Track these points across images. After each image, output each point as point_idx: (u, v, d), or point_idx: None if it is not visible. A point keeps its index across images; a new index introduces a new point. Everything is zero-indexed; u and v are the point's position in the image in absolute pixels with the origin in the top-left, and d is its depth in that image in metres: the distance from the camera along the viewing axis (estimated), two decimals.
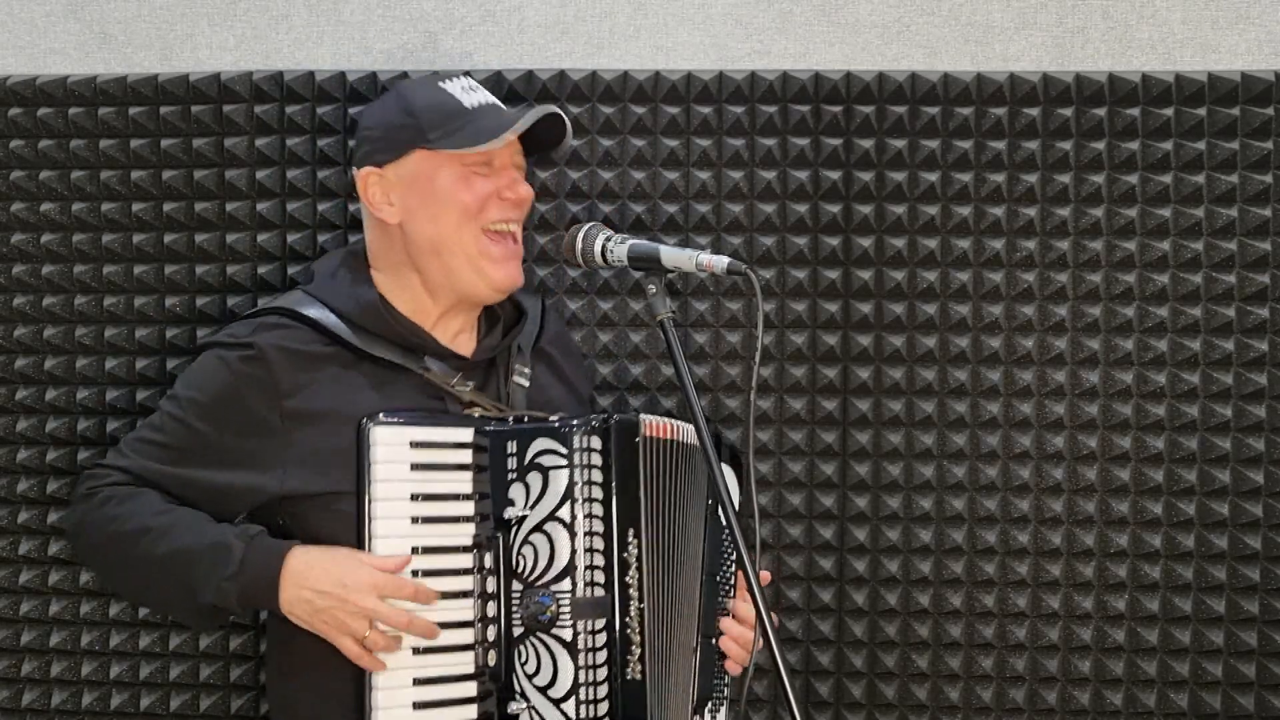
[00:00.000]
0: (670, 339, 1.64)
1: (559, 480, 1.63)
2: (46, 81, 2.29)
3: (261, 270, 2.29)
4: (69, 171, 2.30)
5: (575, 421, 1.66)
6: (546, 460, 1.64)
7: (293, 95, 2.27)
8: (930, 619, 2.26)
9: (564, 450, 1.63)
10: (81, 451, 2.30)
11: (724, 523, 1.54)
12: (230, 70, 2.29)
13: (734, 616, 1.87)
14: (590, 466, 1.64)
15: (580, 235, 1.75)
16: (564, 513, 1.63)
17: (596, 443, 1.64)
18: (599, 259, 1.74)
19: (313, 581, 1.62)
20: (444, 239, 1.77)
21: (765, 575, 1.93)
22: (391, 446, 1.64)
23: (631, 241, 1.71)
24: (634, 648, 1.65)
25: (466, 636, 1.66)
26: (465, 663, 1.65)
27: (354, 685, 1.65)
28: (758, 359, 1.69)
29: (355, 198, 2.27)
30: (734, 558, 1.87)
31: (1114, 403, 2.23)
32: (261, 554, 1.64)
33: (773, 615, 1.50)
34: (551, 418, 1.72)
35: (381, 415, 1.65)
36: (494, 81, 2.22)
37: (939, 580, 2.26)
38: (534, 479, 1.64)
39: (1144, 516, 2.22)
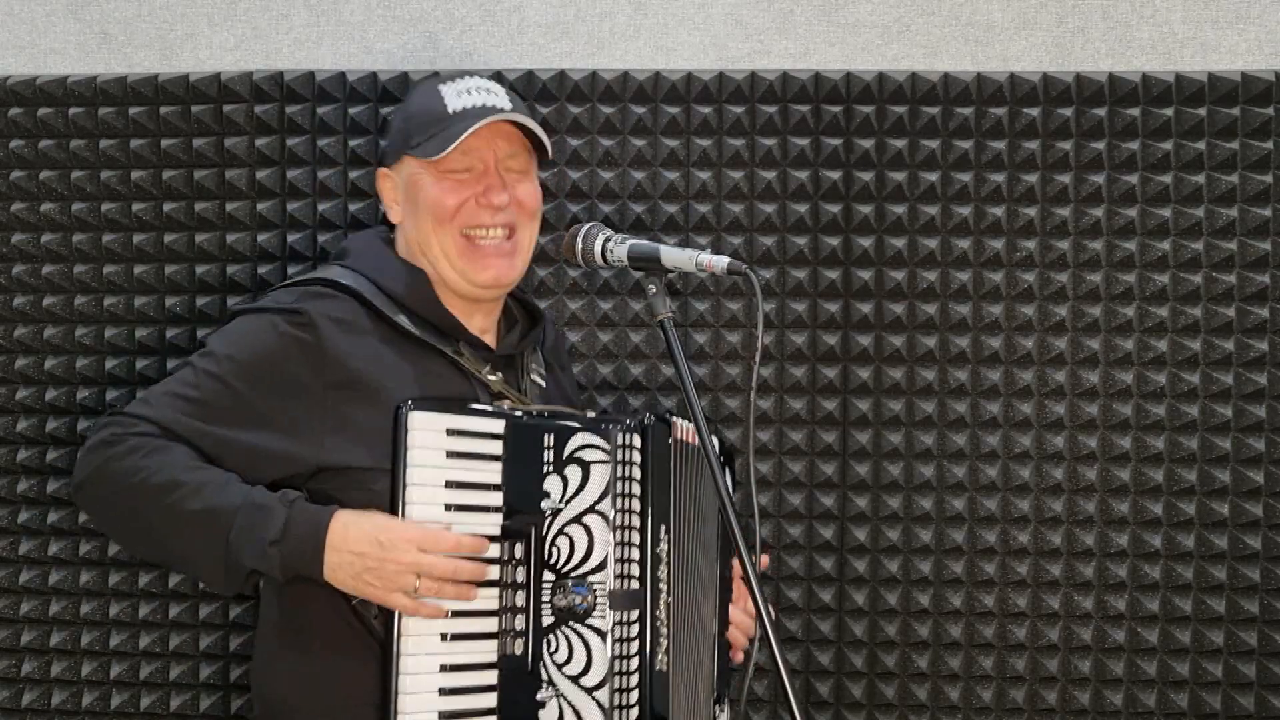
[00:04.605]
0: (670, 339, 1.64)
1: (600, 475, 1.65)
2: (46, 81, 2.29)
3: (261, 270, 2.29)
4: (69, 171, 2.30)
5: (615, 419, 1.69)
6: (588, 455, 1.66)
7: (293, 95, 2.27)
8: (930, 619, 2.25)
9: (606, 446, 1.66)
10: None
11: (726, 519, 1.56)
12: (230, 70, 2.29)
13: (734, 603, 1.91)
14: (629, 463, 1.67)
15: (580, 235, 1.75)
16: (604, 506, 1.65)
17: (635, 440, 1.67)
18: (599, 259, 1.74)
19: (351, 544, 1.58)
20: (427, 241, 1.78)
21: (763, 560, 1.95)
22: (428, 432, 1.63)
23: (631, 241, 1.71)
24: (661, 639, 1.68)
25: (490, 625, 1.66)
26: (489, 651, 1.65)
27: (363, 669, 1.63)
28: (758, 359, 1.69)
29: (353, 197, 2.28)
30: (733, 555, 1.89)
31: (1114, 403, 2.22)
32: (306, 518, 1.59)
33: (770, 609, 1.52)
34: (589, 413, 1.75)
35: (417, 400, 1.64)
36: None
37: (939, 580, 2.25)
38: (573, 472, 1.66)
39: (1144, 516, 2.22)
